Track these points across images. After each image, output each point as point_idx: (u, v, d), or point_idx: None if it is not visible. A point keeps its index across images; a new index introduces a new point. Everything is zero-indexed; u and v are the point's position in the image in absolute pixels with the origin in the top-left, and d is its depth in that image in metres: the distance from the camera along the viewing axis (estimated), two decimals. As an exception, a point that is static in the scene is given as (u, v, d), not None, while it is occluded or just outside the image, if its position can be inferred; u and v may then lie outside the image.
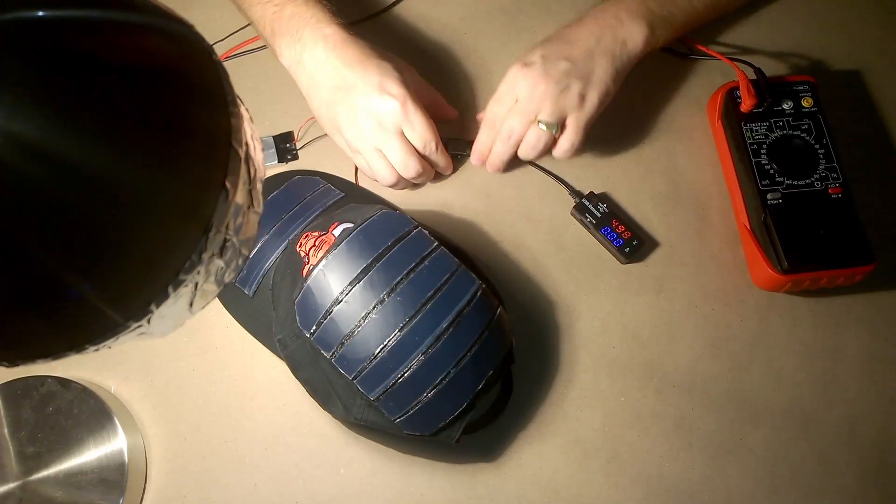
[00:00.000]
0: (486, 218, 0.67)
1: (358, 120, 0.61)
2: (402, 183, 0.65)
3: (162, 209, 0.27)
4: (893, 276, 0.66)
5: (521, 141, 0.64)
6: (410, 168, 0.63)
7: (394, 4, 0.75)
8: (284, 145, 0.69)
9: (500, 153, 0.65)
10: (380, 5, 0.75)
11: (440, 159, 0.66)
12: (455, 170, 0.69)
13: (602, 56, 0.64)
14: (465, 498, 0.59)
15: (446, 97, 0.71)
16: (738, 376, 0.63)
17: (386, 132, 0.61)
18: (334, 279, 0.53)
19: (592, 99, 0.63)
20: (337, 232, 0.55)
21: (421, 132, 0.62)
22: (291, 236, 0.58)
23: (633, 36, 0.65)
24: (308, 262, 0.54)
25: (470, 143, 0.68)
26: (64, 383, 0.58)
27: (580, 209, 0.66)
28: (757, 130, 0.66)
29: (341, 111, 0.62)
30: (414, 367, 0.52)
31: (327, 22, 0.62)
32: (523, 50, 0.72)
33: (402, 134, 0.62)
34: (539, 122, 0.62)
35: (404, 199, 0.67)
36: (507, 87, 0.64)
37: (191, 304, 0.31)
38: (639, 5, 0.66)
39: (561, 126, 0.63)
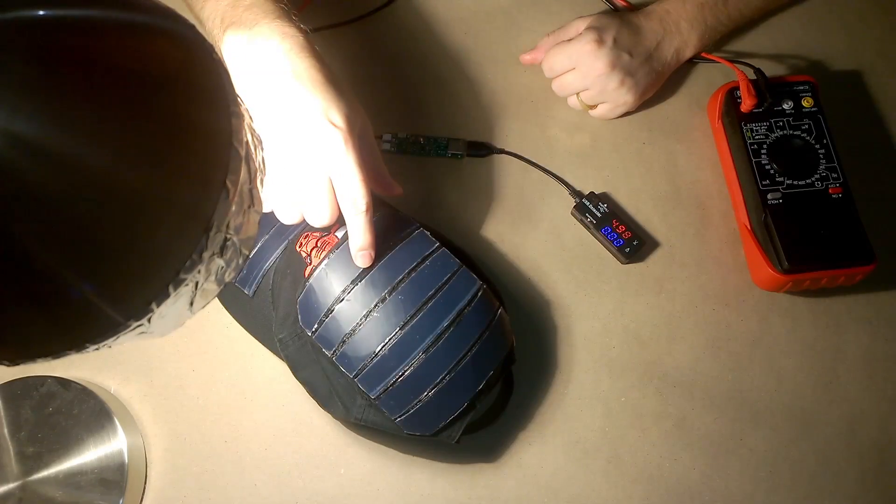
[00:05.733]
0: (487, 218, 0.67)
1: (280, 137, 0.50)
2: (288, 220, 0.53)
3: (162, 208, 0.27)
4: (894, 276, 0.66)
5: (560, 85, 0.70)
6: (316, 216, 0.51)
7: (391, 2, 0.75)
8: (284, 145, 0.69)
9: (545, 69, 0.70)
10: (378, 3, 0.75)
11: (361, 230, 0.51)
12: (454, 171, 0.69)
13: (656, 61, 0.68)
14: (465, 498, 0.59)
15: (445, 98, 0.71)
16: (739, 376, 0.63)
17: (312, 166, 0.50)
18: (336, 278, 0.53)
19: (630, 99, 0.68)
20: (339, 234, 0.55)
21: (354, 182, 0.50)
22: (291, 236, 0.58)
23: (686, 46, 0.70)
24: (310, 264, 0.54)
25: (469, 144, 0.68)
26: (64, 383, 0.58)
27: (580, 209, 0.66)
28: (757, 130, 0.66)
29: (267, 121, 0.51)
30: (415, 365, 0.52)
31: (289, 24, 0.52)
32: (524, 49, 0.72)
33: (328, 177, 0.51)
34: (578, 95, 0.69)
35: (405, 201, 0.67)
36: (573, 50, 0.67)
37: (191, 304, 0.31)
38: (696, 13, 0.69)
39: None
